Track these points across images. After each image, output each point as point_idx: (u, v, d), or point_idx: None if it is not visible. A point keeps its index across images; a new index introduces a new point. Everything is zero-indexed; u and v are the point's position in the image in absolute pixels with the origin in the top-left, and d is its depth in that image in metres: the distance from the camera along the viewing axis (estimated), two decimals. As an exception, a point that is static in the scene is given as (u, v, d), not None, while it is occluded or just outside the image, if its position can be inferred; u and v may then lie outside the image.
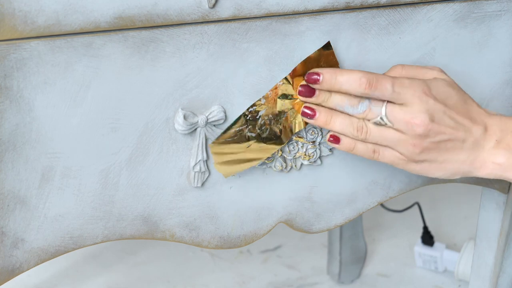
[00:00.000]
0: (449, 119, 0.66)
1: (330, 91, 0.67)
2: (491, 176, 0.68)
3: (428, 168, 0.68)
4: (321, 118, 0.67)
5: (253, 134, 0.69)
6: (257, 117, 0.69)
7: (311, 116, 0.68)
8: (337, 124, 0.67)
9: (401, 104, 0.66)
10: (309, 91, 0.67)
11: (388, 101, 0.66)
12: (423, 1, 0.70)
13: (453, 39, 0.73)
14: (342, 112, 0.67)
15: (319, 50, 0.68)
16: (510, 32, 0.75)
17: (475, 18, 0.73)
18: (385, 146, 0.67)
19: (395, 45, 0.71)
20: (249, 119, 0.68)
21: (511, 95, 0.78)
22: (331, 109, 0.68)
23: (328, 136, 0.69)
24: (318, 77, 0.66)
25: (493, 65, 0.76)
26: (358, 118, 0.67)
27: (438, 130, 0.66)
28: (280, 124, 0.70)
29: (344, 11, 0.68)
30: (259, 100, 0.68)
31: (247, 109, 0.68)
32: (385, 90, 0.65)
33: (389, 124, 0.66)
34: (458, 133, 0.67)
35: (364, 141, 0.67)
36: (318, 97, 0.67)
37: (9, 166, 0.64)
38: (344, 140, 0.68)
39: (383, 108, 0.66)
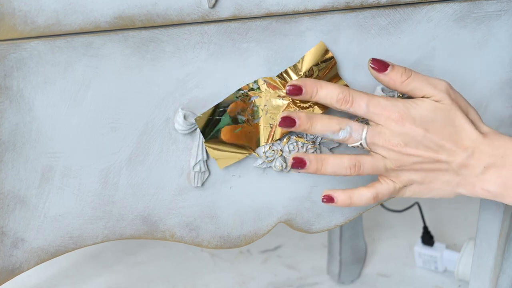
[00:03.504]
0: (429, 142, 0.66)
1: (310, 118, 0.67)
2: (482, 198, 0.68)
3: (418, 190, 0.69)
4: (312, 166, 0.68)
5: (243, 118, 0.69)
6: (249, 101, 0.69)
7: (302, 166, 0.68)
8: (329, 168, 0.68)
9: (378, 126, 0.66)
10: (290, 123, 0.67)
11: (369, 126, 0.67)
12: (423, 1, 0.70)
13: (453, 39, 0.73)
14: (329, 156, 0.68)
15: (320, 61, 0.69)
16: (510, 32, 0.75)
17: (475, 18, 0.73)
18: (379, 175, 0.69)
19: (395, 45, 0.71)
20: (238, 100, 0.68)
21: (511, 95, 0.78)
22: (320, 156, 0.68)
23: (321, 198, 0.69)
24: (301, 89, 0.67)
25: (493, 65, 0.76)
26: (349, 157, 0.67)
27: (414, 153, 0.66)
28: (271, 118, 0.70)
29: (344, 11, 0.68)
30: (251, 84, 0.68)
31: (237, 91, 0.68)
32: (360, 108, 0.66)
33: (366, 148, 0.67)
34: (439, 156, 0.66)
35: (358, 174, 0.68)
36: (300, 126, 0.67)
37: (9, 166, 0.64)
38: (338, 198, 0.69)
39: (363, 135, 0.67)
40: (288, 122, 0.66)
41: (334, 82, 0.70)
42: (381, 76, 0.67)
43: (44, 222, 0.67)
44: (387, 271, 1.37)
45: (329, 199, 0.69)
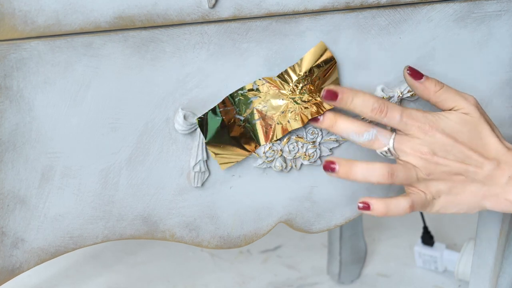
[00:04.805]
0: (458, 152, 0.68)
1: (335, 116, 0.68)
2: (505, 211, 0.69)
3: (446, 203, 0.69)
4: (341, 170, 0.68)
5: (241, 117, 0.69)
6: (249, 101, 0.69)
7: (332, 170, 0.68)
8: (359, 174, 0.68)
9: (407, 135, 0.68)
10: (332, 97, 0.67)
11: (396, 133, 0.68)
12: (423, 1, 0.70)
13: (453, 39, 0.73)
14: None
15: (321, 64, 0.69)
16: (510, 32, 0.75)
17: (475, 18, 0.73)
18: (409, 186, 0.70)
19: (395, 45, 0.71)
20: (237, 100, 0.68)
21: (511, 95, 0.78)
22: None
23: (357, 204, 0.69)
24: (336, 96, 0.67)
25: (493, 65, 0.76)
26: (381, 164, 0.67)
27: (442, 162, 0.68)
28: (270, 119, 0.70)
29: (344, 11, 0.68)
30: (250, 84, 0.68)
31: (235, 91, 0.68)
32: (393, 118, 0.67)
33: (393, 155, 0.68)
34: (467, 166, 0.68)
35: (392, 183, 0.68)
36: (323, 123, 0.69)
37: (9, 166, 0.64)
38: (375, 206, 0.69)
39: (391, 140, 0.68)
40: (329, 97, 0.67)
41: (334, 83, 0.70)
42: (417, 83, 0.69)
43: (44, 222, 0.67)
44: (387, 271, 1.37)
45: (365, 206, 0.69)
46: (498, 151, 0.68)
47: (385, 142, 0.68)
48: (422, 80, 0.69)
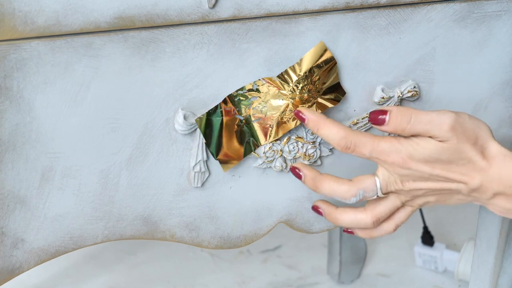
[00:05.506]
0: (436, 177, 0.66)
1: (315, 182, 0.69)
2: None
3: (433, 204, 0.70)
4: (307, 182, 0.70)
5: (241, 118, 0.69)
6: (248, 102, 0.69)
7: (299, 177, 0.70)
8: (345, 220, 0.70)
9: (386, 170, 0.67)
10: (297, 175, 0.70)
11: (378, 179, 0.68)
12: (423, 1, 0.70)
13: (453, 39, 0.73)
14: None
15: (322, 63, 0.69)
16: (511, 32, 0.75)
17: (476, 18, 0.73)
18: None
19: (395, 45, 0.71)
20: (237, 100, 0.68)
21: (511, 95, 0.78)
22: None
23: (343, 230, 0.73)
24: (304, 118, 0.68)
25: (494, 65, 0.76)
26: (362, 210, 0.69)
27: (424, 187, 0.67)
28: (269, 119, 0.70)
29: (344, 11, 0.68)
30: (250, 84, 0.68)
31: (235, 91, 0.68)
32: (363, 155, 0.66)
33: (382, 197, 0.69)
34: (449, 185, 0.67)
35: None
36: (307, 183, 0.70)
37: (9, 166, 0.64)
38: (359, 233, 0.72)
39: (379, 190, 0.68)
40: (299, 118, 0.69)
41: (334, 83, 0.70)
42: (384, 128, 0.67)
43: (44, 223, 0.67)
44: (387, 271, 1.37)
45: (348, 231, 0.73)
46: (481, 169, 0.66)
47: (372, 195, 0.68)
48: (386, 122, 0.66)
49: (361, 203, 0.70)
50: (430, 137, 0.65)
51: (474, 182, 0.66)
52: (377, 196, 0.68)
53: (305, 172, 0.69)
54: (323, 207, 0.71)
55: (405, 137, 0.66)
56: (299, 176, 0.70)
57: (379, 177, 0.68)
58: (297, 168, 0.70)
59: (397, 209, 0.70)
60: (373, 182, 0.68)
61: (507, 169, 0.66)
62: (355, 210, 0.70)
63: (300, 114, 0.68)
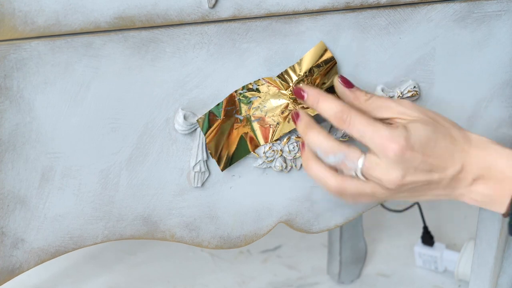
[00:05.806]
0: (424, 165, 0.65)
1: (306, 127, 0.66)
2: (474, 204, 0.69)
3: (406, 198, 0.68)
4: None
5: (241, 117, 0.69)
6: (248, 101, 0.69)
7: (301, 97, 0.68)
8: (314, 166, 0.67)
9: (376, 157, 0.64)
10: (295, 117, 0.67)
11: (365, 158, 0.65)
12: (423, 1, 0.70)
13: (453, 39, 0.73)
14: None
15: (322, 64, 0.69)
16: (511, 32, 0.75)
17: (475, 18, 0.73)
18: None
19: (395, 45, 0.71)
20: (237, 100, 0.68)
21: (511, 95, 0.78)
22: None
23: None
24: (303, 94, 0.67)
25: (493, 65, 0.76)
26: (332, 176, 0.66)
27: (410, 182, 0.65)
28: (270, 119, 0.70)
29: (344, 11, 0.68)
30: (250, 84, 0.68)
31: (235, 91, 0.68)
32: (356, 132, 0.64)
33: (362, 178, 0.65)
34: (432, 176, 0.65)
35: None
36: (298, 127, 0.67)
37: (9, 166, 0.64)
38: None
39: (359, 166, 0.65)
40: (299, 95, 0.67)
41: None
42: (347, 91, 0.67)
43: (44, 223, 0.67)
44: (387, 271, 1.37)
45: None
46: (460, 151, 0.65)
47: (351, 166, 0.65)
48: (353, 89, 0.67)
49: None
50: (396, 118, 0.65)
51: (455, 167, 0.65)
52: (356, 174, 0.65)
53: (309, 91, 0.67)
54: (307, 90, 0.67)
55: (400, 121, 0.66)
56: (301, 97, 0.67)
57: (367, 157, 0.65)
58: (302, 89, 0.67)
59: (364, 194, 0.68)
60: (358, 154, 0.65)
61: (486, 151, 0.66)
62: (329, 168, 0.66)
63: (300, 90, 0.67)
